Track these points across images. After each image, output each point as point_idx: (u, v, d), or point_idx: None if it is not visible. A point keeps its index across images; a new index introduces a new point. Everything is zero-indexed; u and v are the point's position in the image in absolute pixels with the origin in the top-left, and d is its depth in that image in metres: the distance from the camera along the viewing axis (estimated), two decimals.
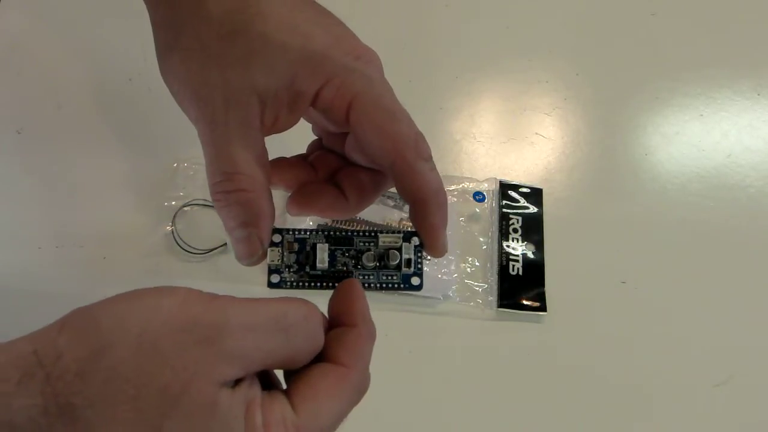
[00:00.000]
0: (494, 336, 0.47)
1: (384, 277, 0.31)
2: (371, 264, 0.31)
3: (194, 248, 0.47)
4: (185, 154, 0.51)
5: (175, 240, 0.47)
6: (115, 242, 0.48)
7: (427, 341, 0.46)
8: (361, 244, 0.31)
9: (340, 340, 0.27)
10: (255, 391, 0.24)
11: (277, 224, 0.31)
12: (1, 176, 0.50)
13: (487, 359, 0.46)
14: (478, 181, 0.52)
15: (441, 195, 0.31)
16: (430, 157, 0.31)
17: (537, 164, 0.54)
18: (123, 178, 0.51)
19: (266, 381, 0.26)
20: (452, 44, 0.59)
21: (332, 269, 0.31)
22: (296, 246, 0.31)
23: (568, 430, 0.44)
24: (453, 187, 0.52)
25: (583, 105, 0.57)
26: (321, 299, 0.29)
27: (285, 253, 0.31)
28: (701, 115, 0.57)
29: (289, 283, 0.31)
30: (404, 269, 0.31)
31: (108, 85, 0.55)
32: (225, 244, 0.47)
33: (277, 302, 0.26)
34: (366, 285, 0.31)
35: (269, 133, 0.31)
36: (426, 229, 0.31)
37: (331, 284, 0.31)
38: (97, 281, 0.46)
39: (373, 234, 0.31)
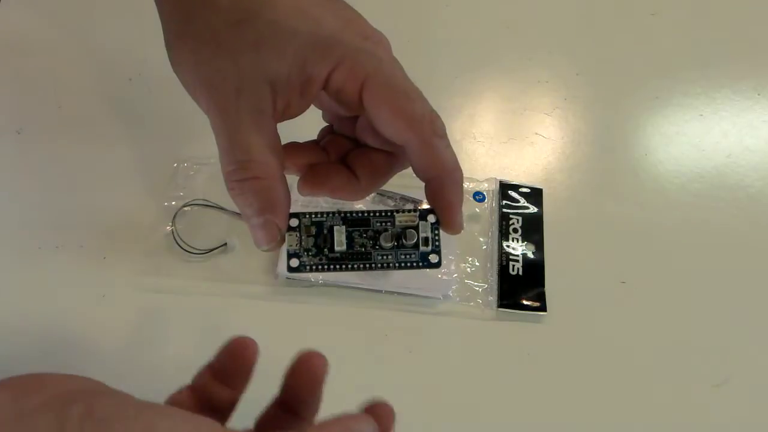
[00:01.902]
0: (494, 336, 0.47)
1: (402, 257, 0.31)
2: (389, 244, 0.31)
3: (194, 248, 0.47)
4: (185, 154, 0.51)
5: (175, 240, 0.47)
6: (115, 242, 0.48)
7: (427, 341, 0.46)
8: (378, 224, 0.31)
9: None
10: None
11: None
12: (1, 176, 0.50)
13: (487, 359, 0.46)
14: (478, 181, 0.52)
15: (457, 172, 0.31)
16: (446, 135, 0.31)
17: (537, 164, 0.54)
18: (123, 178, 0.51)
19: None
20: (452, 44, 0.59)
21: (350, 251, 0.31)
22: (314, 229, 0.31)
23: (568, 430, 0.44)
24: None
25: (583, 105, 0.57)
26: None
27: (303, 237, 0.31)
28: (701, 115, 0.57)
29: (308, 267, 0.31)
30: (422, 247, 0.31)
31: (108, 85, 0.55)
32: (225, 244, 0.47)
33: None
34: (384, 265, 0.31)
35: (281, 119, 0.31)
36: (443, 207, 0.31)
37: (350, 266, 0.31)
38: (97, 281, 0.46)
39: (389, 214, 0.31)
